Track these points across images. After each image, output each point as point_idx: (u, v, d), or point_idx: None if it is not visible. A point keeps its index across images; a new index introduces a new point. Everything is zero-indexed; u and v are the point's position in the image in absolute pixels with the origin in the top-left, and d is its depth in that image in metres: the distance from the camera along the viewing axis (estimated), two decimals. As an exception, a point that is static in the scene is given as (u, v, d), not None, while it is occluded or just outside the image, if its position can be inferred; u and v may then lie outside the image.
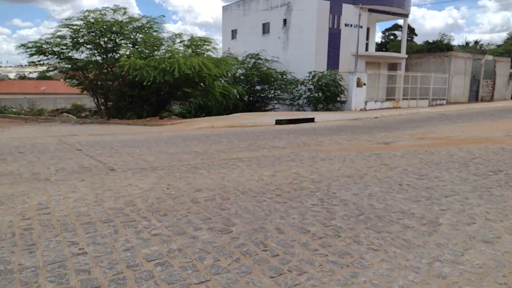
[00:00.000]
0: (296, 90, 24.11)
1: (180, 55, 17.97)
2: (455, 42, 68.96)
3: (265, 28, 29.87)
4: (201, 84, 19.05)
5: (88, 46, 18.76)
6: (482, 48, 67.38)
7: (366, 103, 23.02)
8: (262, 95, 25.73)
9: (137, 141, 11.18)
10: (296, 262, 3.50)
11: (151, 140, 11.42)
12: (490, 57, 32.48)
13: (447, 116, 19.33)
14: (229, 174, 6.91)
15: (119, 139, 11.71)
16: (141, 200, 5.30)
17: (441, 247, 3.84)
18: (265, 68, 25.35)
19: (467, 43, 73.27)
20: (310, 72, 23.35)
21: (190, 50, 20.08)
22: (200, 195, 5.57)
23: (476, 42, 72.77)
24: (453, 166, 7.58)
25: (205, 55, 19.97)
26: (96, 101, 20.57)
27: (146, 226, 4.33)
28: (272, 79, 24.47)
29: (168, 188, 5.92)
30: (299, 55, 26.15)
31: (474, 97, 30.87)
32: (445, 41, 49.78)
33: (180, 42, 20.80)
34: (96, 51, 19.10)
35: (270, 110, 25.95)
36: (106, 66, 19.46)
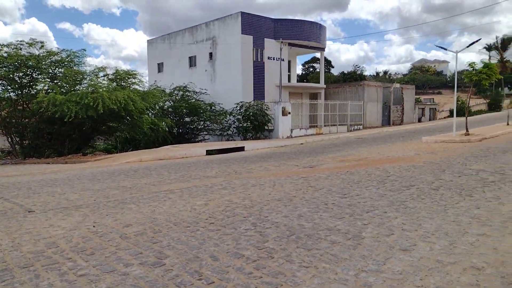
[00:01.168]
0: (225, 121, 24.49)
1: (104, 89, 17.42)
2: (367, 73, 75.45)
3: (192, 61, 30.23)
4: (128, 118, 18.54)
5: (0, 81, 17.42)
6: (391, 77, 74.68)
7: (292, 130, 24.07)
8: (192, 126, 25.70)
9: (58, 180, 10.46)
10: (232, 287, 3.53)
11: (73, 178, 10.76)
12: (397, 85, 36.09)
13: (364, 139, 20.92)
14: (160, 206, 6.77)
15: (37, 179, 10.86)
16: (64, 241, 4.96)
17: (365, 259, 4.13)
18: (193, 100, 25.50)
19: (377, 73, 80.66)
20: (238, 103, 23.95)
21: (114, 84, 19.56)
22: (130, 230, 5.37)
23: (385, 72, 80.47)
24: (371, 184, 8.21)
25: (131, 89, 19.57)
26: (10, 140, 18.93)
27: (71, 267, 4.07)
28: (201, 111, 24.63)
29: (94, 226, 5.62)
30: (226, 87, 26.78)
31: (387, 121, 33.83)
32: (359, 72, 54.25)
33: (104, 76, 20.21)
34: (10, 87, 17.78)
35: (201, 141, 25.94)
36: (21, 102, 18.14)
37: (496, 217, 5.53)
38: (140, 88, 20.92)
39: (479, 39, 18.99)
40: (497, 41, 66.84)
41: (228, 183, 8.89)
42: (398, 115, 34.85)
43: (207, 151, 17.12)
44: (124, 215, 6.22)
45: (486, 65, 18.49)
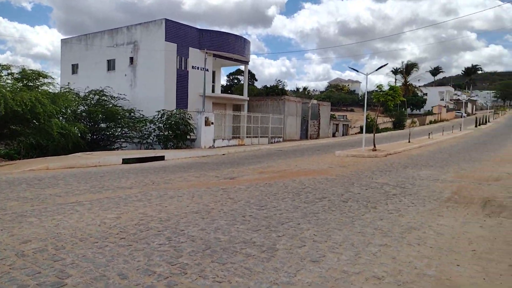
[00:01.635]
0: (145, 129, 23.58)
1: (8, 89, 15.72)
2: (288, 88, 78.75)
3: (111, 65, 28.75)
4: (34, 121, 16.91)
5: None
6: (309, 94, 78.66)
7: (214, 141, 24.03)
8: (108, 133, 24.27)
9: None
10: (140, 307, 3.35)
11: (-37, 187, 9.46)
12: (315, 101, 38.12)
13: (284, 151, 21.67)
14: (66, 220, 6.23)
15: None
16: None
17: (277, 271, 4.22)
18: (110, 105, 24.13)
19: (297, 89, 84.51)
20: (159, 111, 23.26)
21: (20, 84, 17.75)
22: (28, 247, 4.85)
23: (305, 88, 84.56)
24: (288, 196, 8.49)
25: (39, 90, 17.92)
26: None
27: (-50, 293, 3.53)
28: (119, 117, 23.40)
29: (-16, 243, 4.97)
30: (148, 94, 25.90)
31: (305, 135, 35.48)
32: (280, 87, 56.28)
33: (8, 74, 18.24)
34: None
35: (117, 149, 24.59)
36: None
37: (396, 228, 6.05)
38: (51, 90, 19.24)
39: (386, 64, 20.93)
40: (402, 66, 74.32)
41: (144, 195, 8.52)
42: (315, 129, 36.74)
43: (123, 159, 16.28)
44: (23, 230, 5.61)
45: (392, 88, 20.42)
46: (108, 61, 28.83)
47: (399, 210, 7.30)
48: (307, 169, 13.56)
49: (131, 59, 27.22)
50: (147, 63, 26.23)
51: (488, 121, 62.23)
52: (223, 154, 20.12)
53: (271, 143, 28.94)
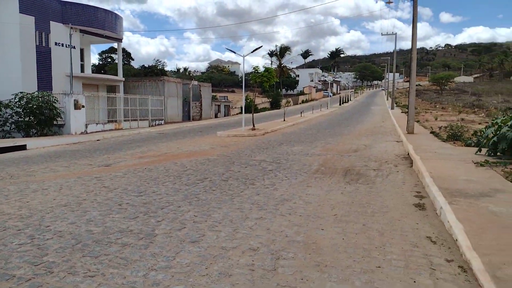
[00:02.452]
0: (0, 114, 20.38)
1: None
2: (168, 68, 76.47)
3: None
4: None
5: None
6: (191, 74, 77.83)
7: (87, 125, 22.08)
8: (-51, 121, 20.30)
9: None
10: (-6, 318, 2.95)
11: None
12: (196, 82, 37.85)
13: (165, 134, 21.13)
14: None
15: None
16: None
17: (156, 257, 4.14)
18: (-50, 88, 20.14)
19: (178, 69, 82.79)
20: (16, 94, 20.28)
21: None
22: None
23: (185, 69, 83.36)
24: (168, 180, 8.34)
25: None
26: None
27: None
28: (-37, 101, 19.72)
29: None
30: (1, 74, 22.29)
31: (187, 116, 35.12)
32: (160, 67, 54.33)
33: None
34: None
35: (-37, 139, 20.79)
36: None
37: (271, 201, 6.46)
38: None
39: (261, 46, 21.91)
40: (276, 49, 78.44)
41: (-1, 190, 7.42)
42: (197, 110, 36.62)
43: (-28, 151, 13.87)
44: None
45: (267, 70, 21.43)
46: None
47: (274, 185, 7.80)
48: (189, 151, 13.49)
49: (-24, 32, 22.97)
50: (-3, 38, 22.48)
51: (350, 100, 70.28)
52: (98, 140, 18.69)
53: (152, 126, 27.92)
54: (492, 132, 10.23)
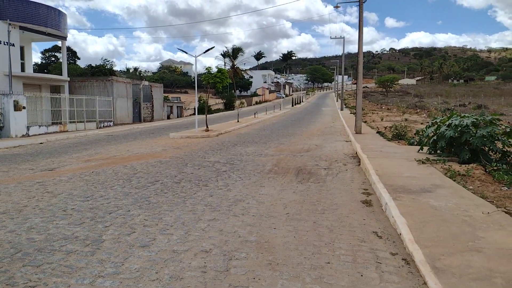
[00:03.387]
0: None
1: None
2: (117, 68, 73.84)
3: None
4: None
5: None
6: (141, 75, 75.68)
7: (28, 128, 20.76)
8: None
9: None
10: None
11: None
12: (147, 83, 36.85)
13: (114, 136, 20.38)
14: None
15: None
16: None
17: (103, 263, 3.98)
18: None
19: (128, 69, 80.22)
20: None
21: None
22: None
23: (136, 69, 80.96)
24: (117, 183, 8.05)
25: None
26: None
27: None
28: None
29: None
30: None
31: (138, 118, 34.10)
32: (108, 66, 52.34)
33: None
34: None
35: None
36: None
37: (224, 202, 6.44)
38: None
39: (213, 47, 21.85)
40: (229, 50, 78.38)
41: None
42: (148, 112, 35.68)
43: None
44: None
45: (219, 70, 21.35)
46: None
47: (227, 185, 7.78)
48: (140, 153, 13.11)
49: None
50: None
51: (302, 101, 71.82)
52: (41, 143, 17.64)
53: (100, 128, 26.81)
54: (432, 132, 10.90)
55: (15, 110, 19.75)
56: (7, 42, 22.07)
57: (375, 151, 11.78)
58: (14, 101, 19.67)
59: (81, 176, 8.94)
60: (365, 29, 18.95)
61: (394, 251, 4.26)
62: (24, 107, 20.35)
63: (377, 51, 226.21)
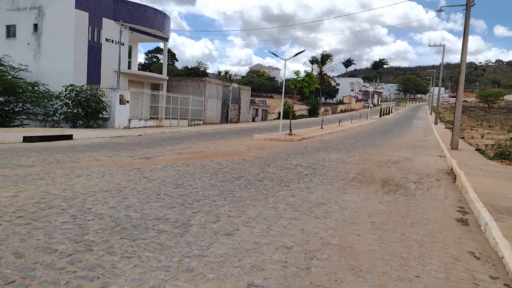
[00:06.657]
0: (51, 105, 21.55)
1: None
2: (210, 70, 77.92)
3: (10, 31, 25.56)
4: None
5: None
6: (231, 78, 78.82)
7: (130, 121, 22.89)
8: (7, 108, 21.71)
9: None
10: (38, 285, 3.09)
11: None
12: (236, 85, 38.31)
13: (203, 134, 21.50)
14: (-51, 199, 5.47)
15: None
16: None
17: (190, 245, 4.20)
18: (10, 77, 21.55)
19: (219, 72, 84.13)
20: (67, 86, 21.39)
21: None
22: None
23: (226, 72, 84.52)
24: (205, 175, 8.46)
25: None
26: None
27: None
28: (20, 90, 21.03)
29: None
30: (54, 66, 23.61)
31: (225, 118, 35.58)
32: (202, 69, 55.54)
33: None
34: None
35: (18, 126, 22.17)
36: None
37: (305, 204, 6.38)
38: None
39: (304, 50, 21.92)
40: (317, 57, 77.94)
41: (47, 173, 7.83)
42: (235, 113, 37.02)
43: (24, 137, 14.73)
44: None
45: (308, 74, 21.31)
46: (8, 26, 25.61)
47: (309, 188, 7.71)
48: (226, 151, 13.64)
49: (35, 26, 24.49)
50: (54, 31, 23.83)
51: (391, 112, 68.42)
52: (139, 135, 19.31)
53: (191, 125, 28.49)
54: (546, 152, 9.60)
55: (120, 103, 21.90)
56: (118, 41, 24.59)
57: (474, 168, 10.73)
58: (120, 95, 21.82)
59: (173, 166, 9.58)
60: (470, 37, 17.42)
61: (495, 275, 3.82)
62: (128, 101, 22.46)
63: (480, 63, 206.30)
